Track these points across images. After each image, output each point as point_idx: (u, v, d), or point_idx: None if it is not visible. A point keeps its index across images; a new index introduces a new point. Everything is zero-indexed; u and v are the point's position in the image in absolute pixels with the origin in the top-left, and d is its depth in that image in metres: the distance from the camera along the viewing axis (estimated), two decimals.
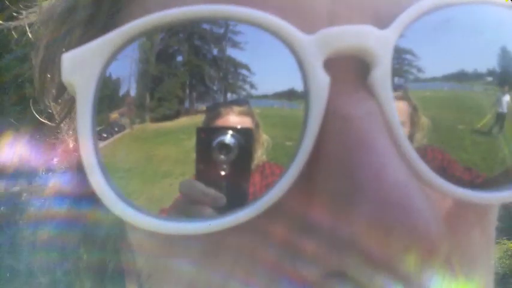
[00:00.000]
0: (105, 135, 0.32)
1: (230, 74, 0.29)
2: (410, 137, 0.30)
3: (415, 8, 0.27)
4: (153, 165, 0.31)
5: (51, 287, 0.59)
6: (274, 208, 0.27)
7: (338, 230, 0.25)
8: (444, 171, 0.31)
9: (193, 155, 0.30)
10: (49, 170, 0.57)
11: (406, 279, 0.24)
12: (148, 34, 0.29)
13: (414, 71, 0.29)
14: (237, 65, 0.29)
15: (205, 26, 0.29)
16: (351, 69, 0.27)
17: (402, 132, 0.26)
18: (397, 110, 0.29)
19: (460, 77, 0.31)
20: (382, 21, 0.27)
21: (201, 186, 0.29)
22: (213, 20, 0.28)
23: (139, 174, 0.32)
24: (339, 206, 0.25)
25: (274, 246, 0.28)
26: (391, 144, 0.25)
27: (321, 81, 0.26)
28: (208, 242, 0.30)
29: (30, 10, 0.49)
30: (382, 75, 0.26)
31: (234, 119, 0.30)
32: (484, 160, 0.33)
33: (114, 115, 0.32)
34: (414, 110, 0.30)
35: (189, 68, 0.30)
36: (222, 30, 0.29)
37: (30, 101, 0.57)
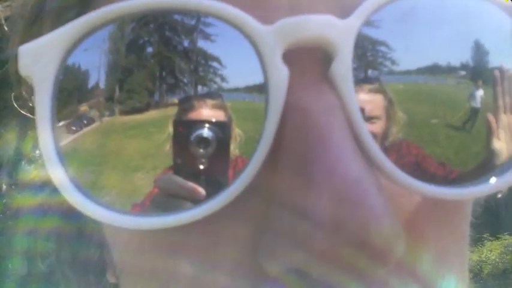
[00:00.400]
0: (74, 128, 0.31)
1: (200, 66, 0.29)
2: (385, 132, 0.29)
3: None
4: (124, 159, 0.31)
5: (33, 279, 0.59)
6: (236, 204, 0.26)
7: (294, 227, 0.24)
8: (418, 166, 0.31)
9: (166, 149, 0.30)
10: (31, 161, 0.57)
11: (358, 277, 0.23)
12: (105, 25, 0.28)
13: (385, 62, 0.28)
14: (207, 57, 0.29)
15: (176, 17, 0.28)
16: (313, 60, 0.26)
17: (364, 126, 0.25)
18: (372, 103, 0.28)
19: (433, 70, 0.30)
20: (346, 11, 0.26)
21: (179, 179, 0.29)
22: (170, 11, 0.27)
23: (108, 168, 0.31)
24: (295, 203, 0.24)
25: (237, 242, 0.28)
26: (349, 139, 0.24)
27: (280, 73, 0.25)
28: (173, 238, 0.29)
29: (5, 4, 0.49)
30: (342, 67, 0.25)
31: (208, 112, 0.29)
32: (457, 155, 0.32)
33: (83, 107, 0.31)
34: (390, 103, 0.29)
35: (158, 60, 0.29)
36: (192, 21, 0.28)
37: (12, 95, 0.57)
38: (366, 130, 0.25)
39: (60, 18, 0.36)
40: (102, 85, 0.30)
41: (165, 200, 0.29)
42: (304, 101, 0.25)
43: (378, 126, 0.29)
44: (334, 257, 0.22)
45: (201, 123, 0.29)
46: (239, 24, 0.26)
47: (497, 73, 0.29)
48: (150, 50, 0.30)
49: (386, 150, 0.29)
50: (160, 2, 0.27)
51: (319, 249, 0.23)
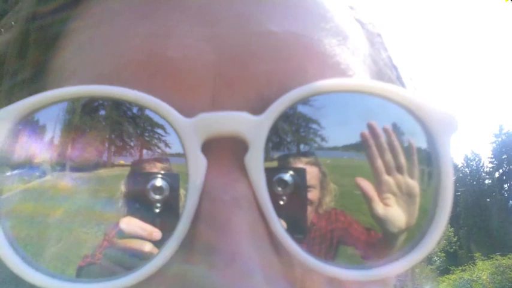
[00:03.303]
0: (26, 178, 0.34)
1: (150, 135, 0.32)
2: (320, 200, 0.32)
3: (289, 96, 0.29)
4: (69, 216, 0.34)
5: None
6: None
7: None
8: (346, 232, 0.34)
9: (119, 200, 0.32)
10: None
11: None
12: (50, 104, 0.31)
13: (301, 147, 0.32)
14: (154, 125, 0.32)
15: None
16: (230, 150, 0.30)
17: (272, 212, 0.28)
18: (309, 174, 0.32)
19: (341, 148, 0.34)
20: (264, 104, 0.30)
21: (138, 222, 0.31)
22: (105, 99, 0.31)
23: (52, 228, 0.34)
24: None
25: None
26: (247, 229, 0.27)
27: (198, 162, 0.28)
28: None
29: None
30: (253, 158, 0.29)
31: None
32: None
33: (37, 160, 0.34)
34: (323, 176, 0.32)
35: (109, 123, 0.33)
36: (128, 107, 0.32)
37: None
38: (274, 217, 0.28)
39: (17, 76, 0.39)
40: (56, 141, 0.33)
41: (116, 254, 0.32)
42: (215, 190, 0.28)
43: (317, 195, 0.32)
44: None
45: (154, 174, 0.32)
46: (164, 116, 0.29)
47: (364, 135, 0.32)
48: (101, 119, 0.33)
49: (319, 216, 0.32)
50: (93, 90, 0.30)
51: None
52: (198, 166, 0.28)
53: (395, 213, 0.34)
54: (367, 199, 0.33)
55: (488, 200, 35.78)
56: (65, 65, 0.36)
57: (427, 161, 0.32)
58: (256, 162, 0.29)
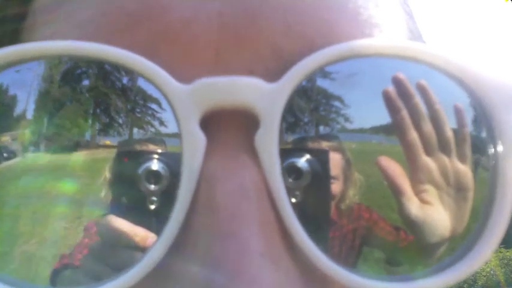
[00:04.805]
0: None
1: (139, 107, 0.25)
2: (342, 194, 0.25)
3: (316, 57, 0.23)
4: (46, 204, 0.28)
5: None
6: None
7: None
8: (370, 231, 0.27)
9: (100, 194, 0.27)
10: None
11: None
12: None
13: (321, 129, 0.25)
14: (147, 99, 0.26)
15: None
16: (236, 127, 0.23)
17: (288, 207, 0.22)
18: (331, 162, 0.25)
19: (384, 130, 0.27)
20: (282, 65, 0.23)
21: (125, 224, 0.25)
22: (86, 59, 0.24)
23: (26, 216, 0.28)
24: None
25: None
26: (259, 234, 0.21)
27: (195, 141, 0.22)
28: None
29: None
30: (266, 138, 0.22)
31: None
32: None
33: (4, 137, 0.28)
34: (347, 164, 0.25)
35: (94, 96, 0.26)
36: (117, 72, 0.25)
37: None
38: (291, 213, 0.22)
39: None
40: (29, 115, 0.27)
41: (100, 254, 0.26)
42: (218, 176, 0.22)
43: (339, 188, 0.25)
44: None
45: (150, 155, 0.26)
46: (154, 81, 0.23)
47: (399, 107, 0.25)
48: (85, 83, 0.27)
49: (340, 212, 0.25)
50: (77, 47, 0.24)
51: None
52: (194, 145, 0.22)
53: (435, 214, 0.26)
54: (395, 191, 0.25)
55: None
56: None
57: (482, 145, 0.26)
58: (269, 143, 0.22)
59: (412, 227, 0.26)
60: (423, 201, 0.26)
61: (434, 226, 0.26)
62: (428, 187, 0.26)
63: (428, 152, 0.25)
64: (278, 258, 0.21)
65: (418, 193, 0.26)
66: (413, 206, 0.25)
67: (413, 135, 0.25)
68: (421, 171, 0.25)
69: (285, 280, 0.21)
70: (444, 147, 0.25)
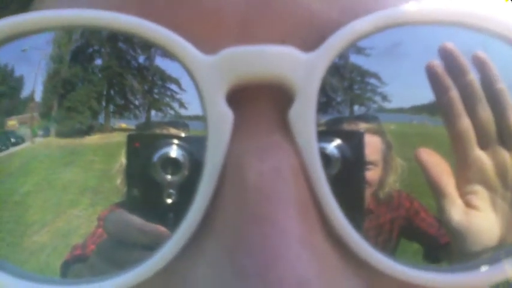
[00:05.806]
0: None
1: (157, 86, 0.23)
2: (381, 182, 0.22)
3: (359, 25, 0.20)
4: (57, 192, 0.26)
5: None
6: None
7: None
8: (410, 222, 0.24)
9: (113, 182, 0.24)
10: None
11: None
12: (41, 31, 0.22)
13: (367, 102, 0.22)
14: (165, 78, 0.23)
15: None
16: (268, 102, 0.20)
17: (328, 193, 0.19)
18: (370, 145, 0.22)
19: (427, 110, 0.24)
20: (313, 42, 0.20)
21: (137, 221, 0.22)
22: (97, 29, 0.22)
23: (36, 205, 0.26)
24: None
25: None
26: (297, 218, 0.18)
27: (221, 118, 0.19)
28: None
29: None
30: (302, 114, 0.19)
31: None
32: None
33: (11, 122, 0.26)
34: (388, 148, 0.22)
35: (107, 75, 0.24)
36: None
37: None
38: (331, 198, 0.19)
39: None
40: (37, 97, 0.25)
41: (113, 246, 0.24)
42: (248, 157, 0.19)
43: (377, 175, 0.22)
44: None
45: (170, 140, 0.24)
46: (174, 52, 0.20)
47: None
48: (98, 62, 0.25)
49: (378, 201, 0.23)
50: (88, 16, 0.22)
51: None
52: (221, 123, 0.19)
53: (483, 221, 0.22)
54: (435, 191, 0.21)
55: None
56: None
57: None
58: (306, 119, 0.19)
59: (452, 234, 0.22)
60: (469, 206, 0.22)
61: (480, 235, 0.22)
62: (479, 188, 0.22)
63: (483, 145, 0.21)
64: (318, 246, 0.19)
65: (464, 195, 0.22)
66: (457, 211, 0.22)
67: (465, 122, 0.21)
68: (471, 169, 0.21)
69: (325, 270, 0.18)
70: (505, 140, 0.21)
